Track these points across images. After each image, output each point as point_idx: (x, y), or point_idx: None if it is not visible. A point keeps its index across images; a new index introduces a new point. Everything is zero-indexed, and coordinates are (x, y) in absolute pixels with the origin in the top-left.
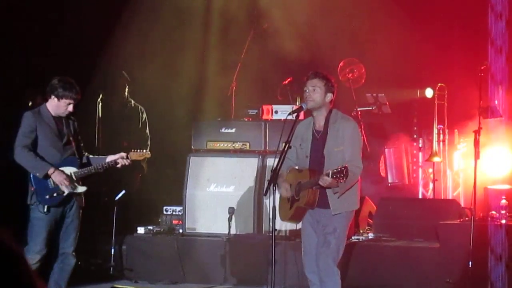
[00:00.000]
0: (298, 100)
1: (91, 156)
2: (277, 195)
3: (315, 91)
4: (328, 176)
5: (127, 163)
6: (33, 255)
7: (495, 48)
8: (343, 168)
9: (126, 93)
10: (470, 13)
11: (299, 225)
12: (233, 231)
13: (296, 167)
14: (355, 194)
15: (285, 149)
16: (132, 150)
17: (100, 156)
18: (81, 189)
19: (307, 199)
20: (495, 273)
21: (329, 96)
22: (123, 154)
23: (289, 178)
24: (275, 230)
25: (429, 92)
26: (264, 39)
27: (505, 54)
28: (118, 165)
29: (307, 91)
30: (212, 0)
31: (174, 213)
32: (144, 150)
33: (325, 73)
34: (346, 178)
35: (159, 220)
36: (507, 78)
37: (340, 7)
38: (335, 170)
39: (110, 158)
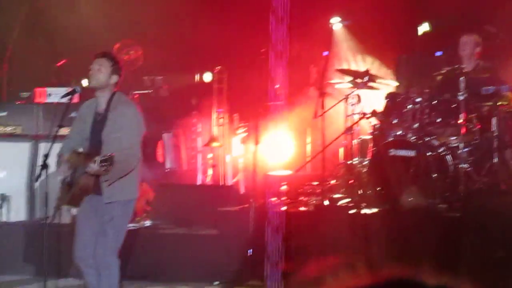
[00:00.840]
0: (74, 82)
1: None
2: (55, 180)
3: (100, 71)
4: (95, 164)
5: None
6: None
7: (276, 18)
8: (109, 156)
9: None
10: None
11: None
12: (4, 219)
13: (80, 150)
14: (133, 182)
15: (57, 133)
16: None
17: None
18: None
19: (81, 185)
20: (272, 247)
21: (114, 78)
22: None
23: (70, 160)
24: (49, 216)
25: (207, 76)
26: (39, 18)
27: (286, 25)
28: None
29: (92, 69)
30: None
31: None
32: None
33: (114, 54)
34: (112, 166)
35: None
36: (288, 51)
37: None
38: (102, 158)
39: None
